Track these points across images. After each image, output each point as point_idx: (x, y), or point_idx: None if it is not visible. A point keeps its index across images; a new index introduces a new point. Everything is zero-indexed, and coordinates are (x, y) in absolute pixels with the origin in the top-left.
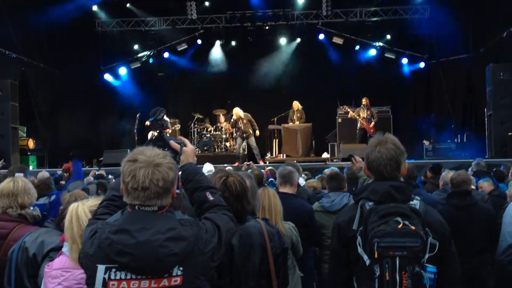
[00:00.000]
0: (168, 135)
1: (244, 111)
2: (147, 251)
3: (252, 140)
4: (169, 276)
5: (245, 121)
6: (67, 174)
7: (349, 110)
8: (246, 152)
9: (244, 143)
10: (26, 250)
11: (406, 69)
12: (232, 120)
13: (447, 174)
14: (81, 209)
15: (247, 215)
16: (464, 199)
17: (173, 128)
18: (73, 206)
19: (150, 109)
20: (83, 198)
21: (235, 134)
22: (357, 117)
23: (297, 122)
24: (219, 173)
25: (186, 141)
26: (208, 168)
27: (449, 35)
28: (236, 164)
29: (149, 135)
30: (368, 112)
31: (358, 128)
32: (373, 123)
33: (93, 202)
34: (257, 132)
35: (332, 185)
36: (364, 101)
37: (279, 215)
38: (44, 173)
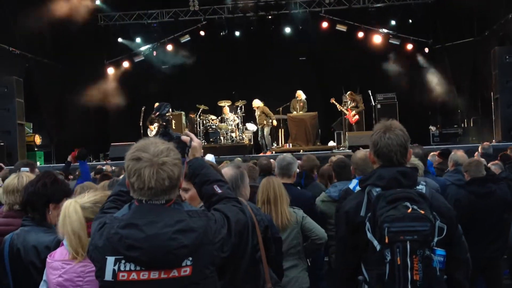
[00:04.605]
0: (173, 126)
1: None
2: (157, 244)
3: (265, 131)
4: (179, 267)
5: (258, 112)
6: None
7: (336, 103)
8: (252, 143)
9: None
10: (18, 252)
11: (411, 55)
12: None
13: (455, 154)
14: (72, 208)
15: None
16: (483, 186)
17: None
18: (66, 204)
19: (155, 102)
20: (93, 188)
21: (240, 126)
22: (342, 109)
23: (300, 112)
24: None
25: (193, 136)
26: (208, 158)
27: (453, 19)
28: (261, 154)
29: (149, 130)
30: (353, 103)
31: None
32: (354, 111)
33: (88, 198)
34: (275, 122)
35: (340, 175)
36: (348, 97)
37: (286, 202)
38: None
